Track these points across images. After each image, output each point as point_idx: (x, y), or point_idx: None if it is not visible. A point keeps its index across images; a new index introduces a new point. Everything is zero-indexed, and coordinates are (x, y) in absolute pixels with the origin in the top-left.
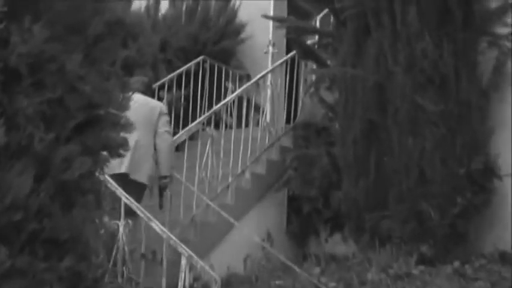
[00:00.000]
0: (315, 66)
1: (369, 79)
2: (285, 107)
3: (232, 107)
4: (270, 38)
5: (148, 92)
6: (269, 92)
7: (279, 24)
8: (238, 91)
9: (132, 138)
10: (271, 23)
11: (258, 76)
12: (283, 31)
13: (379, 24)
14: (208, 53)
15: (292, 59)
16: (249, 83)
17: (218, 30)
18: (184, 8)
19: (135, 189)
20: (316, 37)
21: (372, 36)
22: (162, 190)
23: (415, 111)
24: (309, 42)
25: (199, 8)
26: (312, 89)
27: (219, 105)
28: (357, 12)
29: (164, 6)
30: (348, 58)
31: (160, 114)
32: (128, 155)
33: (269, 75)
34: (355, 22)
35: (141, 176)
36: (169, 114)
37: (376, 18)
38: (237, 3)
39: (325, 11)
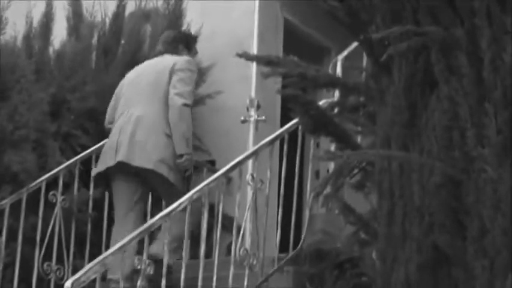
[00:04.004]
0: (333, 147)
1: (435, 171)
2: (279, 222)
3: None
4: (252, 95)
5: (173, 47)
6: (250, 193)
7: (269, 70)
8: (192, 192)
9: (132, 116)
10: (253, 67)
11: (230, 164)
12: (277, 83)
13: (452, 71)
14: None
15: (293, 133)
16: (212, 178)
17: None
18: (95, 39)
19: (153, 182)
20: (336, 94)
21: (438, 93)
22: (184, 175)
23: None
24: (323, 103)
25: (122, 40)
26: (329, 189)
27: (156, 217)
28: (411, 48)
29: (59, 35)
30: (396, 132)
31: (172, 72)
32: (126, 138)
33: (249, 163)
34: (408, 67)
35: (144, 160)
36: (68, 230)
37: (446, 60)
38: (192, 29)
39: (353, 46)
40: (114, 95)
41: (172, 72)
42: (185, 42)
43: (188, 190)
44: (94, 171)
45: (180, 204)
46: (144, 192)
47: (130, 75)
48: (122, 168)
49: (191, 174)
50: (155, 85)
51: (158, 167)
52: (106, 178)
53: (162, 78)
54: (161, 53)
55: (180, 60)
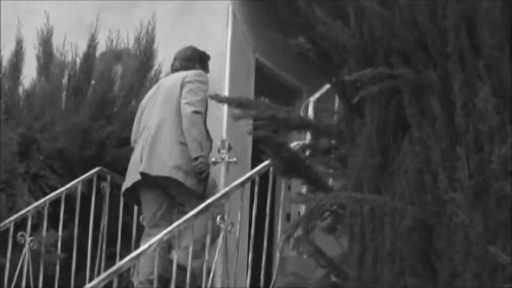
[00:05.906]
0: (304, 190)
1: (406, 214)
2: (249, 265)
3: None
4: (224, 137)
5: (191, 65)
6: (221, 235)
7: (240, 112)
8: (162, 233)
9: (151, 130)
10: (225, 109)
11: (201, 206)
12: (248, 124)
13: (424, 114)
14: (110, 162)
15: (264, 175)
16: (182, 219)
17: (127, 121)
18: (66, 79)
19: (172, 190)
20: (308, 136)
21: (410, 136)
22: (200, 177)
23: (490, 273)
24: (294, 145)
25: (92, 81)
26: (300, 232)
27: (126, 259)
28: (383, 91)
29: (29, 74)
30: (367, 175)
31: (183, 84)
32: (146, 151)
33: None
34: (380, 109)
35: (160, 168)
36: (36, 271)
37: (418, 103)
38: (163, 69)
39: (325, 88)
40: (136, 117)
41: (182, 85)
42: (201, 61)
43: (205, 192)
44: (123, 187)
45: (150, 245)
46: (169, 208)
47: (149, 93)
48: (146, 181)
49: (207, 176)
50: (169, 98)
51: (173, 173)
52: (135, 193)
53: (174, 91)
54: (177, 70)
55: (189, 73)
